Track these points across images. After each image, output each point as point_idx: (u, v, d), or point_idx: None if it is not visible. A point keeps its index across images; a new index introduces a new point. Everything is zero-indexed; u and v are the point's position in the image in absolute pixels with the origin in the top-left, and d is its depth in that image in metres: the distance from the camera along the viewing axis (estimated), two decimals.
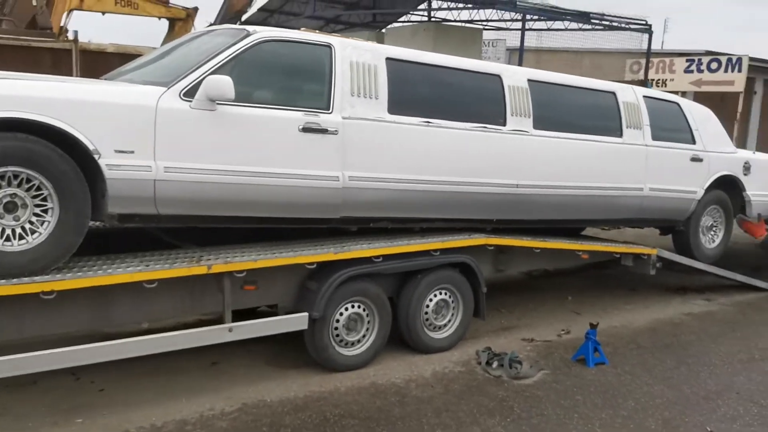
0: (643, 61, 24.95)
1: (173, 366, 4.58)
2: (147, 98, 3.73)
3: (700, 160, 6.84)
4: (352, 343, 4.68)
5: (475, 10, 15.85)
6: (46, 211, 3.50)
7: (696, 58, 22.83)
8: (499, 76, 5.39)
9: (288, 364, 4.77)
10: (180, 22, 14.35)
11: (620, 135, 6.16)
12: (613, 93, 6.28)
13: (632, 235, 8.11)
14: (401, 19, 19.97)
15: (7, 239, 3.41)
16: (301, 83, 4.44)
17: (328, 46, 4.52)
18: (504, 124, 5.28)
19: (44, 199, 3.49)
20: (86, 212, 3.58)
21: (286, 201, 4.27)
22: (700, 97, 15.69)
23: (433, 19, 18.27)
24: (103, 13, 13.11)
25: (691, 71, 23.00)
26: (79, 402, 4.07)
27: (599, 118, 6.10)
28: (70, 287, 3.48)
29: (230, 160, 3.98)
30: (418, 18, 19.17)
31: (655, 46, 20.52)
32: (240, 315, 4.20)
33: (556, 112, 5.71)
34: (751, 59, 21.64)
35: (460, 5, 15.25)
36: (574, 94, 6.00)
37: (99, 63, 7.59)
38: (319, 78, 4.43)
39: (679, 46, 24.09)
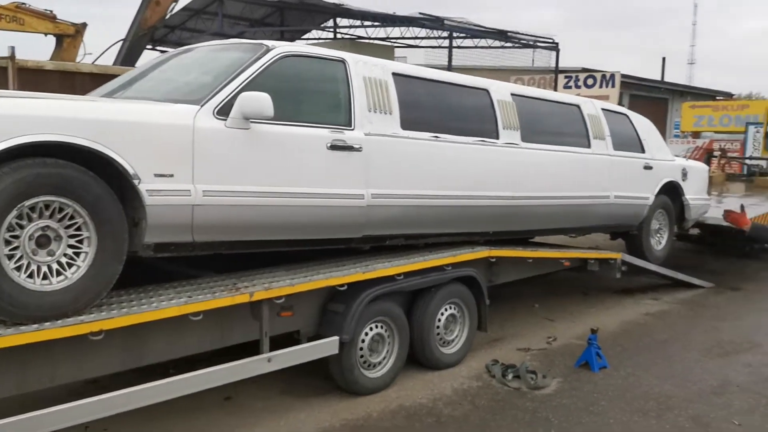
0: (526, 77, 26.28)
1: (185, 405, 4.21)
2: (183, 117, 3.46)
3: (651, 167, 7.26)
4: (375, 365, 4.55)
5: (389, 28, 16.11)
6: (81, 242, 3.16)
7: (574, 75, 24.33)
8: (487, 91, 5.47)
9: (304, 393, 4.55)
10: (69, 39, 13.60)
11: (588, 146, 6.42)
12: (578, 106, 6.55)
13: (567, 240, 8.40)
14: (305, 36, 19.88)
15: (44, 277, 3.04)
16: (322, 99, 4.29)
17: (342, 62, 4.40)
18: (497, 138, 5.35)
19: (78, 229, 3.15)
20: (124, 236, 3.26)
21: (315, 222, 4.10)
22: None
23: (341, 36, 18.31)
24: None
25: (570, 87, 24.49)
26: None
27: (570, 130, 6.33)
28: (120, 325, 3.15)
29: (265, 182, 3.76)
30: (327, 35, 19.17)
31: (528, 64, 21.76)
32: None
33: (537, 124, 5.86)
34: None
35: (377, 23, 15.45)
36: (548, 107, 6.20)
37: (38, 81, 6.98)
38: (338, 94, 4.30)
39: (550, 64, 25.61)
